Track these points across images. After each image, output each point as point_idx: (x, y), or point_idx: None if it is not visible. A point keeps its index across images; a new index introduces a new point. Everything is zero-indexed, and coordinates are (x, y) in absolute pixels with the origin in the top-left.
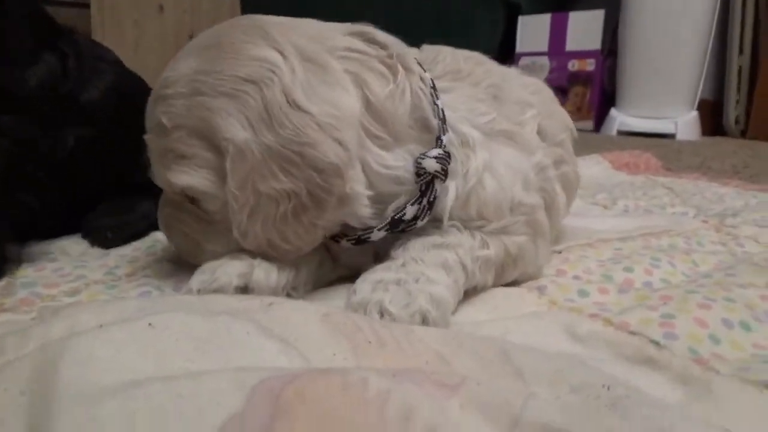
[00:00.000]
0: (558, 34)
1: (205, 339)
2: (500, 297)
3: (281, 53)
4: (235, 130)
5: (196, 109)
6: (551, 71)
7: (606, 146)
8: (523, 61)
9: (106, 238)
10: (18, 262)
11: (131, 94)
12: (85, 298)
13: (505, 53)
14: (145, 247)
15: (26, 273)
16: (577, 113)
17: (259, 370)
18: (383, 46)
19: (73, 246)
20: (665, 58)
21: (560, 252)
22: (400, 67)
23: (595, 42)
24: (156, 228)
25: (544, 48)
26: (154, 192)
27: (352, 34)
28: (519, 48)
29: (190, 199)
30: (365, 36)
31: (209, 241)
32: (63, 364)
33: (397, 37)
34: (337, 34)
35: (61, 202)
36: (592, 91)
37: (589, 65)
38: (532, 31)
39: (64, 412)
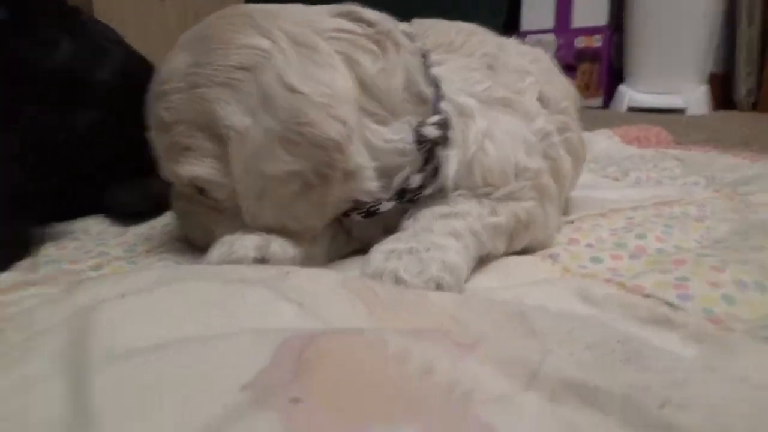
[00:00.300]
0: (563, 10)
1: (224, 304)
2: (512, 265)
3: (271, 39)
4: (235, 117)
5: (194, 101)
6: (558, 49)
7: (615, 123)
8: (529, 39)
9: (125, 204)
10: (41, 242)
11: (138, 74)
12: (109, 272)
13: (510, 32)
14: (160, 226)
15: (49, 252)
16: (585, 90)
17: (281, 330)
18: (371, 24)
19: (93, 226)
20: (674, 32)
21: (572, 222)
22: (389, 43)
23: (601, 17)
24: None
25: (550, 25)
26: None
27: (339, 14)
28: (524, 26)
29: (200, 189)
30: (352, 15)
31: (222, 228)
32: (93, 330)
33: (399, 17)
34: (324, 16)
35: (77, 183)
36: (600, 68)
37: (597, 41)
38: (537, 8)
39: (100, 372)
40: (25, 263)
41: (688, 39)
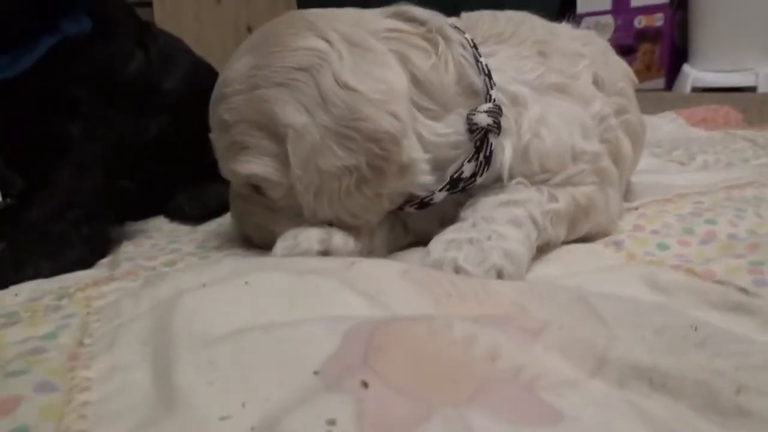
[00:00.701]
0: None
1: (296, 294)
2: (575, 253)
3: (327, 40)
4: (293, 116)
5: (254, 102)
6: (616, 30)
7: (679, 105)
8: (586, 22)
9: (183, 211)
10: (119, 240)
11: (203, 81)
12: (183, 267)
13: (566, 16)
14: (227, 223)
15: (127, 249)
16: (645, 72)
17: (349, 318)
18: (422, 22)
19: (165, 225)
20: (742, 5)
21: (636, 208)
22: (440, 39)
23: None
24: (227, 207)
25: (608, 6)
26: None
27: (391, 15)
28: (580, 8)
29: (256, 188)
30: (404, 15)
31: (280, 226)
32: (176, 318)
33: (451, 8)
34: (377, 17)
35: (150, 186)
36: (661, 48)
37: (658, 20)
38: None
39: (183, 356)
40: (106, 260)
41: (758, 12)
